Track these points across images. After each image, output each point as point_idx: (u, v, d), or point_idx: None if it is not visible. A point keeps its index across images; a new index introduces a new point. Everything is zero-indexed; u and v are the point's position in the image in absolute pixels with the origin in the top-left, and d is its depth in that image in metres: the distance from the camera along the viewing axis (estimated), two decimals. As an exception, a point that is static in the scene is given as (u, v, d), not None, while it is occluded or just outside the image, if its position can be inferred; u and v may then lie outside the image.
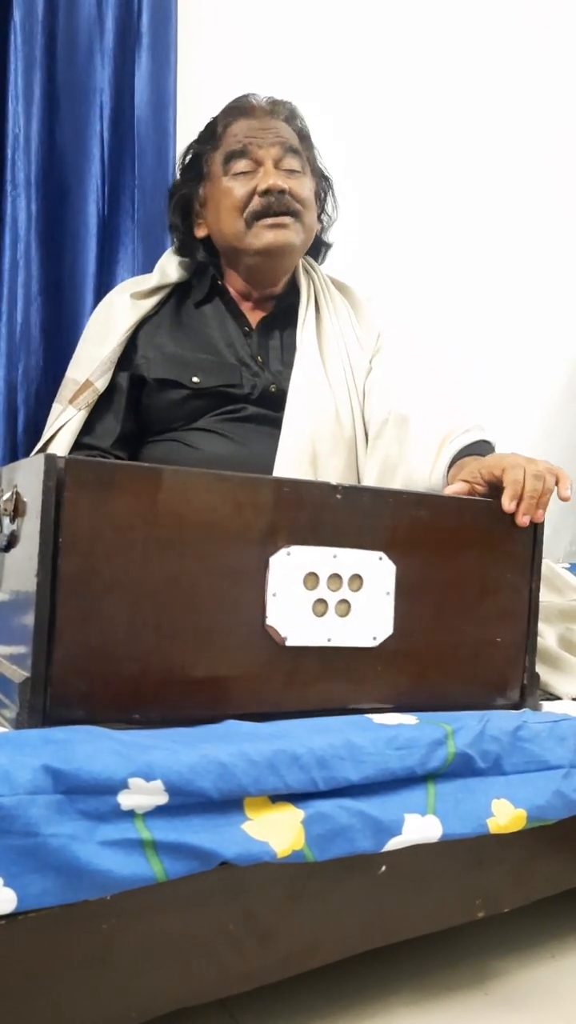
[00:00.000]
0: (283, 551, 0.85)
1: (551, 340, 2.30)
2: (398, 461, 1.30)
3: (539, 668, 1.05)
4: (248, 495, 0.85)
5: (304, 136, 1.37)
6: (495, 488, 1.02)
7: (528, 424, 2.21)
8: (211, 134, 1.36)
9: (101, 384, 1.30)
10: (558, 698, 1.09)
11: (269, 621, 0.85)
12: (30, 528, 0.78)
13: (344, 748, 0.79)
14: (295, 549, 0.86)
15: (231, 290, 1.39)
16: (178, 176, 1.42)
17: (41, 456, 0.77)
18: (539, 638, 1.06)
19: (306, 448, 1.27)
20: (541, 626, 1.12)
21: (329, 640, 0.88)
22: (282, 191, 1.28)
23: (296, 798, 0.77)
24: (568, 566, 1.63)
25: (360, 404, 1.35)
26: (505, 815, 0.87)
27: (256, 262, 1.33)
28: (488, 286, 2.16)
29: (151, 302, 1.37)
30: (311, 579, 0.87)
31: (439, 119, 2.06)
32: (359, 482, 1.32)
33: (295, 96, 1.41)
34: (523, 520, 0.97)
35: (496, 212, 2.16)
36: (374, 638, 0.90)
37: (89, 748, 0.68)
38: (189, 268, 1.41)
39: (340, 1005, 0.91)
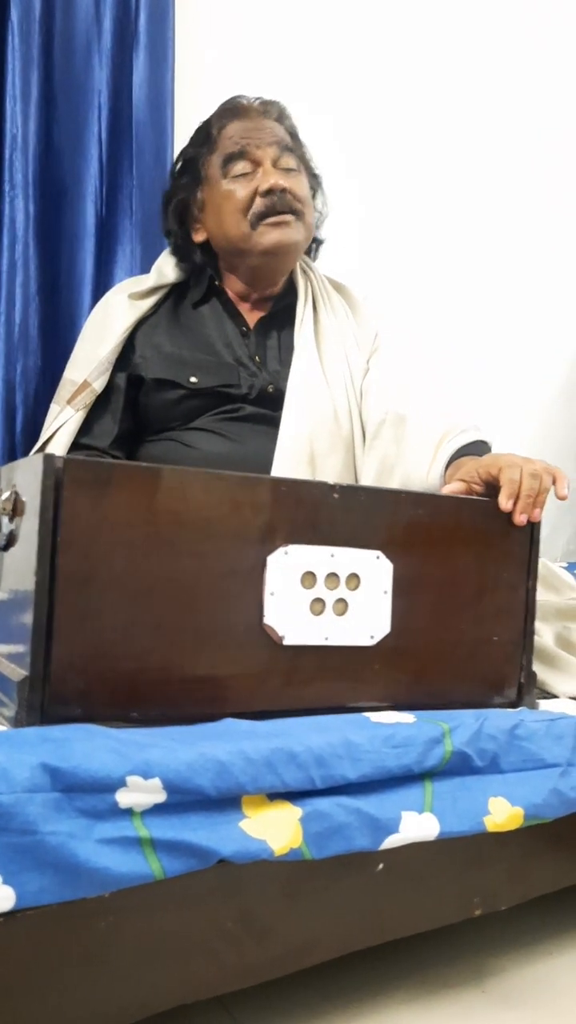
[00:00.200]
0: (281, 550, 0.85)
1: (549, 339, 2.30)
2: (396, 461, 1.30)
3: (536, 667, 1.05)
4: (246, 494, 0.85)
5: (295, 135, 1.38)
6: (492, 487, 1.02)
7: (525, 423, 2.22)
8: (206, 137, 1.35)
9: (99, 385, 1.30)
10: (555, 696, 1.10)
11: (267, 620, 0.85)
12: (28, 527, 0.78)
13: (342, 746, 0.79)
14: (293, 548, 0.86)
15: (229, 291, 1.39)
16: (172, 181, 1.41)
17: (40, 456, 0.77)
18: (536, 637, 1.06)
19: (304, 448, 1.27)
20: (538, 625, 1.13)
21: (327, 639, 0.88)
22: (283, 190, 1.28)
23: (294, 796, 0.77)
24: (565, 565, 1.63)
25: (358, 404, 1.35)
26: (502, 813, 0.87)
27: (261, 262, 1.33)
28: (486, 285, 2.16)
29: (149, 302, 1.37)
30: (309, 578, 0.87)
31: (438, 118, 2.06)
32: (357, 481, 1.32)
33: (293, 95, 1.41)
34: (520, 519, 0.98)
35: (494, 211, 2.16)
36: (371, 637, 0.90)
37: (87, 746, 0.68)
38: (186, 269, 1.41)
39: (338, 1002, 0.91)
